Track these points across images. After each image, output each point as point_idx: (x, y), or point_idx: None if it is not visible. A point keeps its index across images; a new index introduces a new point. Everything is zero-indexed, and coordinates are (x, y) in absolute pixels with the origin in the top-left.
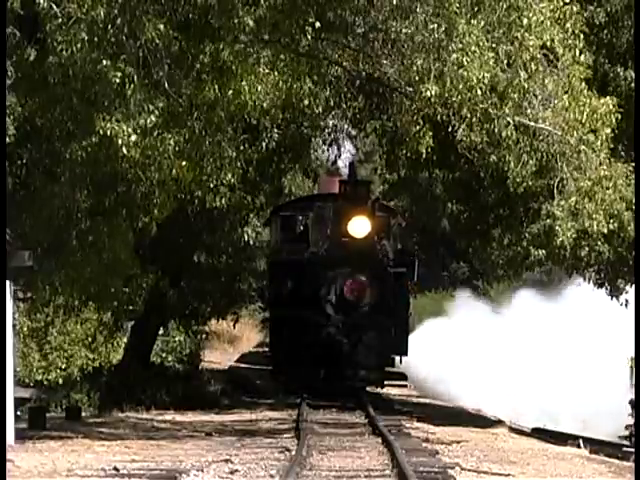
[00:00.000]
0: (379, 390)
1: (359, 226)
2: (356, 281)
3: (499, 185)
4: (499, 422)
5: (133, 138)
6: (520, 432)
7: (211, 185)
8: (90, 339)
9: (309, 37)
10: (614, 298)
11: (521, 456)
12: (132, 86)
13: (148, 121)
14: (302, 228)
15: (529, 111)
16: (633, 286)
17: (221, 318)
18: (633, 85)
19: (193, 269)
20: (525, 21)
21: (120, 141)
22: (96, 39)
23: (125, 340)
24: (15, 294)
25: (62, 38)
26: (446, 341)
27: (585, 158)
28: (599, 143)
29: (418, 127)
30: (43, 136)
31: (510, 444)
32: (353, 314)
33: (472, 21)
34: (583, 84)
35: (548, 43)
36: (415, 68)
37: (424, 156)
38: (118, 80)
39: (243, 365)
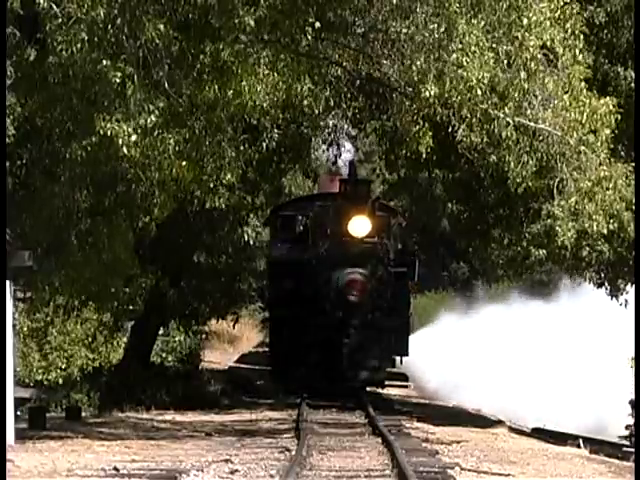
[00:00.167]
0: (379, 390)
1: (359, 225)
2: (356, 281)
3: (499, 185)
4: (499, 422)
5: (133, 138)
6: (520, 432)
7: (211, 185)
8: (90, 339)
9: (309, 37)
10: (614, 298)
11: (521, 456)
12: (132, 86)
13: (148, 121)
14: (302, 228)
15: (529, 111)
16: (633, 286)
17: (221, 318)
18: (633, 85)
19: (193, 269)
20: (525, 21)
21: (120, 141)
22: (96, 39)
23: (125, 340)
24: (15, 294)
25: (62, 38)
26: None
27: (585, 159)
28: (599, 144)
29: (418, 127)
30: (43, 136)
31: (510, 444)
32: (353, 314)
33: (472, 21)
34: (583, 84)
35: (548, 43)
36: (415, 68)
37: (424, 156)
38: (118, 80)
39: (243, 365)
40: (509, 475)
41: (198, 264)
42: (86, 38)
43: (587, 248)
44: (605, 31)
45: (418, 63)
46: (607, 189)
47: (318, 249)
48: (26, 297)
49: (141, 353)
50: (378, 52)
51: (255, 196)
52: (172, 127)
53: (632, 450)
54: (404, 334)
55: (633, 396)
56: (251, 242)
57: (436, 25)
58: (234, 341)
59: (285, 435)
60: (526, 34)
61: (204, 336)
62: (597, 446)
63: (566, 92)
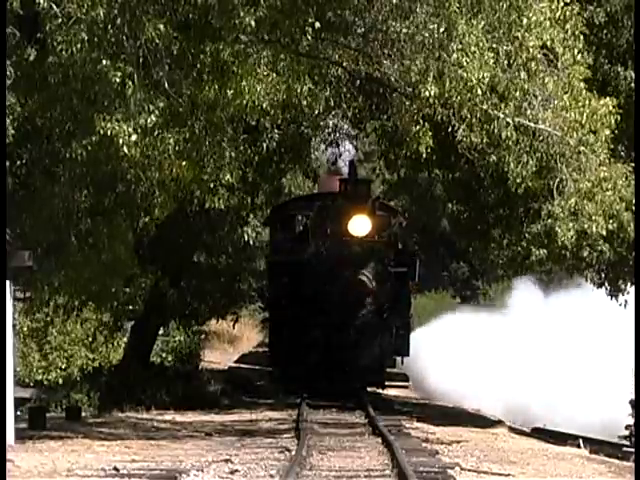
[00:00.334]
0: (379, 390)
1: (360, 225)
2: (357, 281)
3: (499, 185)
4: (499, 422)
5: (133, 138)
6: (520, 432)
7: (211, 185)
8: (90, 339)
9: (309, 37)
10: (614, 298)
11: (521, 456)
12: (132, 86)
13: (148, 121)
14: (302, 228)
15: (529, 112)
16: (633, 286)
17: (221, 318)
18: (633, 85)
19: (193, 269)
20: (525, 21)
21: (120, 141)
22: (96, 39)
23: (125, 340)
24: (15, 294)
25: (62, 38)
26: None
27: (585, 159)
28: (599, 144)
29: (418, 127)
30: (43, 136)
31: (510, 444)
32: (354, 314)
33: (472, 21)
34: (583, 84)
35: (548, 43)
36: (415, 68)
37: (424, 156)
38: (118, 80)
39: (243, 365)
40: (509, 475)
41: (198, 264)
42: (86, 38)
43: (587, 248)
44: (605, 31)
45: (418, 63)
46: (607, 189)
47: (318, 249)
48: (26, 297)
49: (141, 353)
50: (378, 52)
51: (255, 196)
52: (172, 127)
53: (632, 450)
54: (405, 334)
55: (633, 396)
56: (251, 242)
57: (436, 25)
58: (234, 341)
59: (285, 435)
60: (526, 34)
61: (204, 336)
62: (597, 446)
63: (566, 92)
